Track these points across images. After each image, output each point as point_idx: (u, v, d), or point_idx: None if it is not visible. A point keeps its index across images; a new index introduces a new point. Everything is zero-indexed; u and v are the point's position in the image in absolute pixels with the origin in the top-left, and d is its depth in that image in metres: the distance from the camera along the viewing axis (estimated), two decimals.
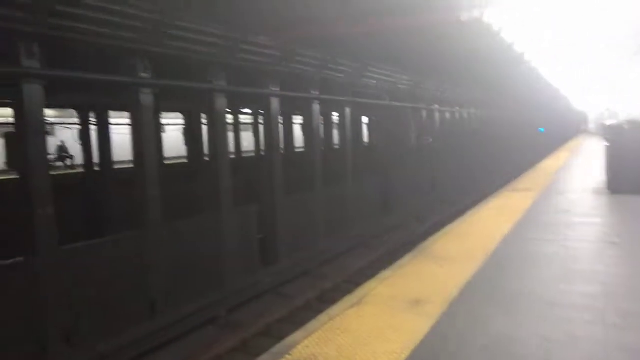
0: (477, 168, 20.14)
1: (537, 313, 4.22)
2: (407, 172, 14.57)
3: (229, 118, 14.30)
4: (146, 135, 6.69)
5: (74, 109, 12.98)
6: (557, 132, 40.91)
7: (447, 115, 18.09)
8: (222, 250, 7.87)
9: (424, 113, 16.05)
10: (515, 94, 24.78)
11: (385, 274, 5.43)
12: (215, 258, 7.78)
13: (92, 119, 12.29)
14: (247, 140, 20.21)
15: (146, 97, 6.59)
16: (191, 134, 14.44)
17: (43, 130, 5.60)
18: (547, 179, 14.45)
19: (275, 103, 8.98)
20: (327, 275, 9.47)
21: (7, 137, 15.95)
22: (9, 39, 5.15)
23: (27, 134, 5.38)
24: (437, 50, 10.35)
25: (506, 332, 3.87)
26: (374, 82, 12.17)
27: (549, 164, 20.38)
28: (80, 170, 13.98)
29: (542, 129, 35.20)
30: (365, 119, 20.89)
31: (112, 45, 6.02)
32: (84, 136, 12.52)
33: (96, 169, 12.33)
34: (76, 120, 13.27)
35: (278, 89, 8.97)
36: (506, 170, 22.19)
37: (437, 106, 16.90)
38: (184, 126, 15.56)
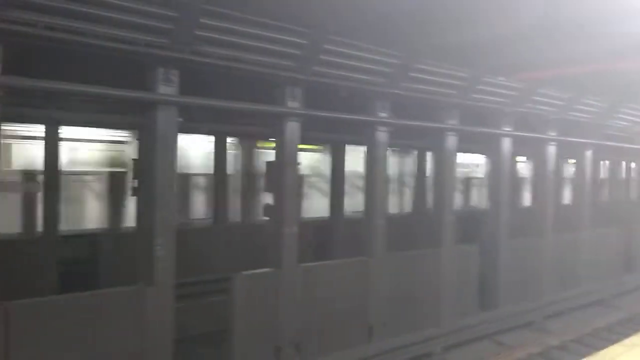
0: None
1: None
2: None
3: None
4: (379, 170, 7.21)
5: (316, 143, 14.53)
6: None
7: None
8: (440, 286, 7.89)
9: None
10: None
11: (635, 339, 4.74)
12: (434, 293, 7.83)
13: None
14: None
15: (382, 135, 7.13)
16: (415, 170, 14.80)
17: (296, 161, 6.47)
18: None
19: (506, 143, 8.76)
20: (553, 331, 8.68)
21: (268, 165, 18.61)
22: (278, 84, 6.15)
23: (284, 164, 6.28)
24: None
25: None
26: (627, 123, 10.84)
27: None
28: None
29: None
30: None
31: (356, 88, 6.71)
32: None
33: None
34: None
35: (510, 129, 8.72)
36: None
37: None
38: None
